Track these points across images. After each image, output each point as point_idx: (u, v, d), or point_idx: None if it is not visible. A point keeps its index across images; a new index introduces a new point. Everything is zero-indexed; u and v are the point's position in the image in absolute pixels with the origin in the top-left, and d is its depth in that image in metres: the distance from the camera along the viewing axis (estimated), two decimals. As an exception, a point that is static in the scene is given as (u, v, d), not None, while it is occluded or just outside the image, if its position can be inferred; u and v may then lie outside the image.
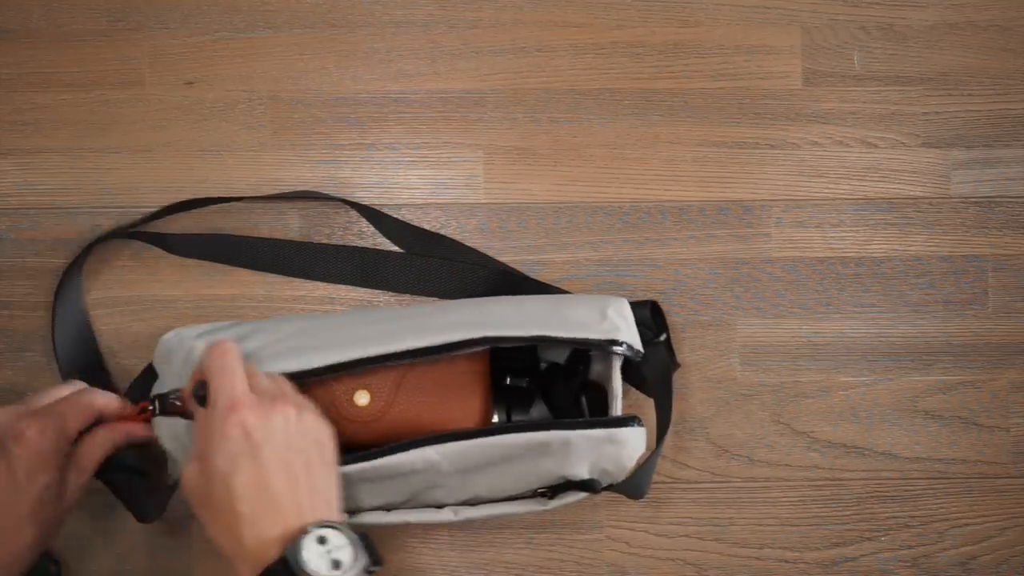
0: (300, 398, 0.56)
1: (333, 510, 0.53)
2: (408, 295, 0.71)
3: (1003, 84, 0.73)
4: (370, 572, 0.51)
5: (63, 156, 0.70)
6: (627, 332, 0.62)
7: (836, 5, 0.73)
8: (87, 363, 0.68)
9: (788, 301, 0.72)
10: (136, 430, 0.60)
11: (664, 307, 0.71)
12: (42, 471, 0.57)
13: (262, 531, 0.50)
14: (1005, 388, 0.72)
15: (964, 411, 0.72)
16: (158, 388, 0.62)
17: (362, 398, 0.62)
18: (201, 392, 0.55)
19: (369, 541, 0.52)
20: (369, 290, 0.71)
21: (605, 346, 0.61)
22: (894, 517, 0.72)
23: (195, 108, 0.71)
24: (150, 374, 0.66)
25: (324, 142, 0.71)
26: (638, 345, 0.62)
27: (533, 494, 0.62)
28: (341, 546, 0.50)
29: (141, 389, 0.66)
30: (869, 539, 0.72)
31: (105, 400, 0.60)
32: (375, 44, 0.72)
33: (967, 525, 0.72)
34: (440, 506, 0.62)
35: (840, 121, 0.73)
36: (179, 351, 0.62)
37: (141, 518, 0.63)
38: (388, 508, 0.62)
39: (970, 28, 0.73)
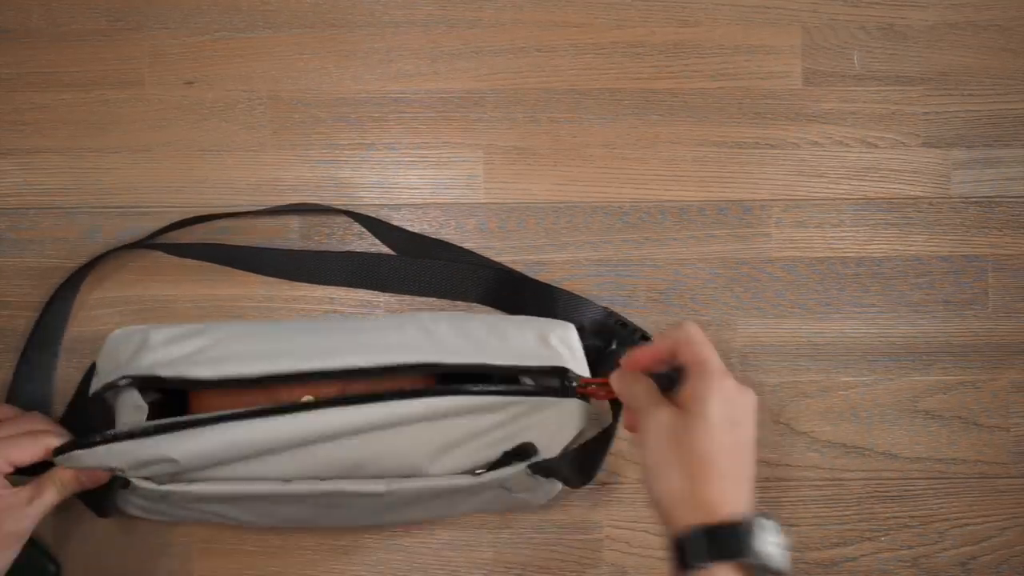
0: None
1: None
2: (408, 296, 0.71)
3: (1003, 84, 0.73)
4: None
5: (63, 156, 0.70)
6: (570, 360, 0.62)
7: (836, 5, 0.73)
8: (39, 390, 0.69)
9: (788, 301, 0.72)
10: (99, 476, 0.61)
11: (664, 307, 0.71)
12: None
13: (728, 489, 0.52)
14: (1005, 388, 0.72)
15: (964, 411, 0.72)
16: (95, 386, 0.62)
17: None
18: (672, 375, 0.56)
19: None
20: (369, 291, 0.71)
21: (546, 373, 0.61)
22: (894, 517, 0.72)
23: (195, 108, 0.71)
24: (80, 402, 0.65)
25: (324, 142, 0.71)
26: (582, 371, 0.62)
27: (471, 472, 0.62)
28: (778, 538, 0.52)
29: (76, 416, 0.66)
30: (869, 539, 0.72)
31: (52, 440, 0.61)
32: (375, 44, 0.72)
33: (967, 525, 0.72)
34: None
35: (840, 121, 0.73)
36: (128, 343, 0.62)
37: (101, 514, 0.63)
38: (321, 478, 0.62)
39: (970, 28, 0.73)
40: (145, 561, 0.69)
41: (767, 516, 0.52)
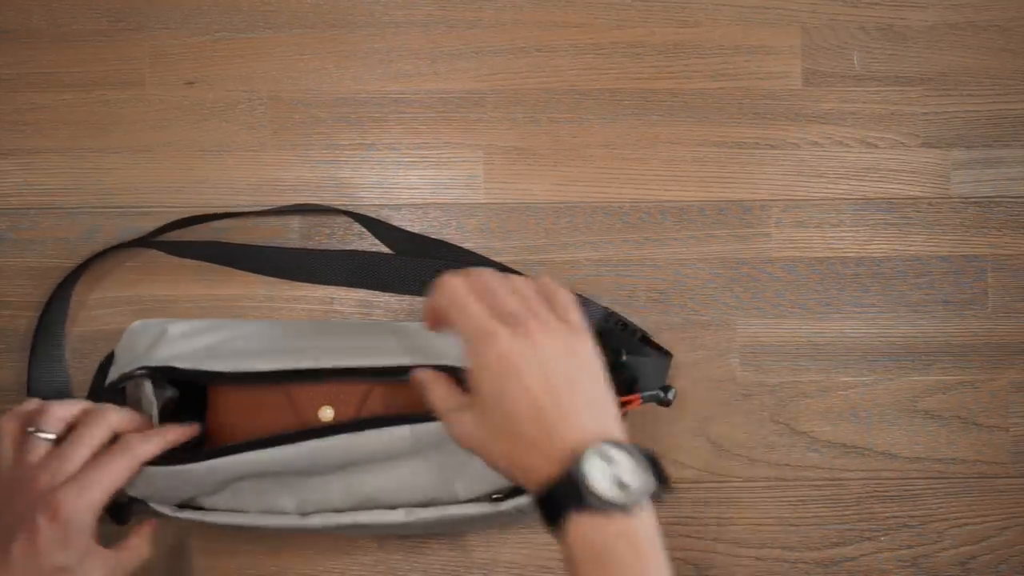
0: (555, 319, 0.53)
1: (615, 427, 0.51)
2: (409, 296, 0.71)
3: (1003, 84, 0.73)
4: (659, 497, 0.49)
5: (63, 156, 0.70)
6: None
7: (836, 5, 0.73)
8: (53, 383, 0.68)
9: (788, 301, 0.72)
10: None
11: (664, 307, 0.71)
12: (61, 550, 0.53)
13: (545, 450, 0.49)
14: (1005, 388, 0.72)
15: (963, 411, 0.72)
16: (113, 375, 0.62)
17: (326, 414, 0.62)
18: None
19: (658, 463, 0.50)
20: (370, 291, 0.71)
21: None
22: (894, 517, 0.72)
23: (195, 108, 0.71)
24: (98, 387, 0.65)
25: (324, 142, 0.71)
26: None
27: (488, 498, 0.62)
28: (626, 466, 0.48)
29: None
30: (869, 539, 0.72)
31: (145, 447, 0.57)
32: (375, 44, 0.72)
33: (967, 525, 0.72)
34: (394, 507, 0.62)
35: (840, 121, 0.73)
36: (146, 335, 0.62)
37: (119, 522, 0.63)
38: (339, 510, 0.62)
39: (970, 28, 0.73)
40: (145, 561, 0.69)
41: (616, 445, 0.49)
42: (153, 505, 0.61)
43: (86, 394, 0.68)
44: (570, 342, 0.53)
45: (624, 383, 0.65)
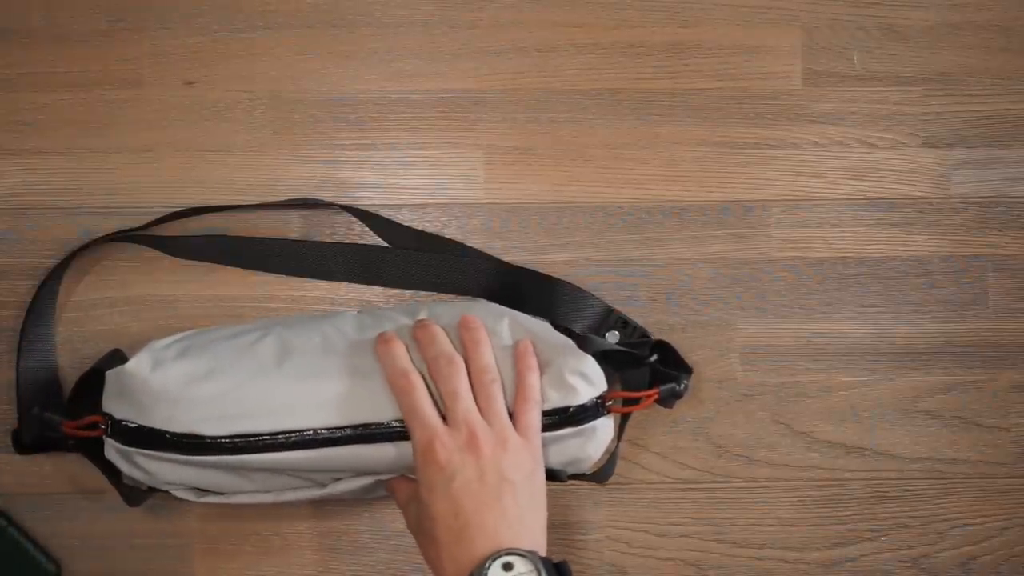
0: (500, 430, 0.58)
1: (528, 539, 0.55)
2: (412, 291, 0.71)
3: (1003, 84, 0.73)
4: None
5: (63, 156, 0.70)
6: (588, 390, 0.62)
7: (836, 5, 0.73)
8: (44, 378, 0.68)
9: (788, 301, 0.72)
10: None
11: (665, 307, 0.71)
12: None
13: (457, 557, 0.54)
14: (1005, 388, 0.72)
15: (965, 411, 0.72)
16: (113, 407, 0.61)
17: None
18: None
19: (564, 570, 0.54)
20: (370, 288, 0.71)
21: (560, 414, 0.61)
22: (894, 517, 0.72)
23: (195, 108, 0.71)
24: (88, 383, 0.64)
25: (324, 142, 0.71)
26: (599, 391, 0.62)
27: None
28: (525, 573, 0.52)
29: (82, 402, 0.65)
30: (869, 539, 0.72)
31: None
32: (375, 44, 0.72)
33: (967, 525, 0.72)
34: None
35: (840, 121, 0.73)
36: (132, 383, 0.61)
37: (129, 502, 0.65)
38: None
39: (970, 28, 0.73)
40: (146, 561, 0.69)
41: (522, 555, 0.53)
42: (175, 493, 0.62)
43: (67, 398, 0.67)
44: (512, 457, 0.57)
45: (645, 379, 0.67)
